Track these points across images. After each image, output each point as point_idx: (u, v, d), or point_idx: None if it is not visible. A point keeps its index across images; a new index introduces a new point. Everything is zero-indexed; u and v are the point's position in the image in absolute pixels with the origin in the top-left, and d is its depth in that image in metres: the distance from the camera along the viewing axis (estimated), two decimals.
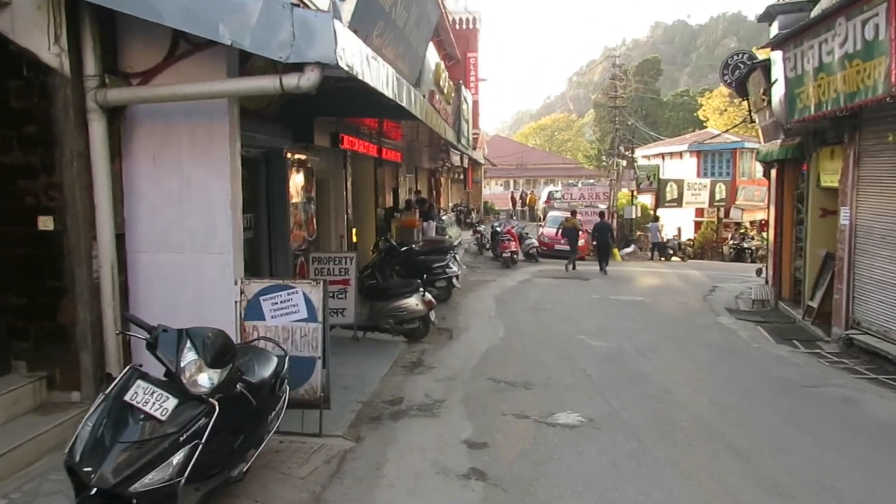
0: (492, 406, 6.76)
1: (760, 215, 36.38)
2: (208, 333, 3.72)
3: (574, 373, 8.15)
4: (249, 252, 9.66)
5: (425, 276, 13.09)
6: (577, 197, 31.86)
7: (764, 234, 33.38)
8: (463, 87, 20.22)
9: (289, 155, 10.02)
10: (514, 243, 21.52)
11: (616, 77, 31.48)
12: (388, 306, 10.19)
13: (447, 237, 19.48)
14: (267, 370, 4.48)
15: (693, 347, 10.00)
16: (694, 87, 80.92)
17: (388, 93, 6.40)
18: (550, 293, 15.68)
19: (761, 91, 13.22)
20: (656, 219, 30.52)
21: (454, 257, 14.99)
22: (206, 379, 3.59)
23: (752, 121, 19.91)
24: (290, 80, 4.71)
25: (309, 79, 4.67)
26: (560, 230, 22.84)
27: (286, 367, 4.84)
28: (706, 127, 50.25)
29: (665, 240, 31.00)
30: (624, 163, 31.99)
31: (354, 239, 14.38)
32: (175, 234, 5.65)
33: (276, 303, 5.65)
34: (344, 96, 9.35)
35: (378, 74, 5.91)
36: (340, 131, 11.37)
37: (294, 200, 10.35)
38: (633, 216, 31.27)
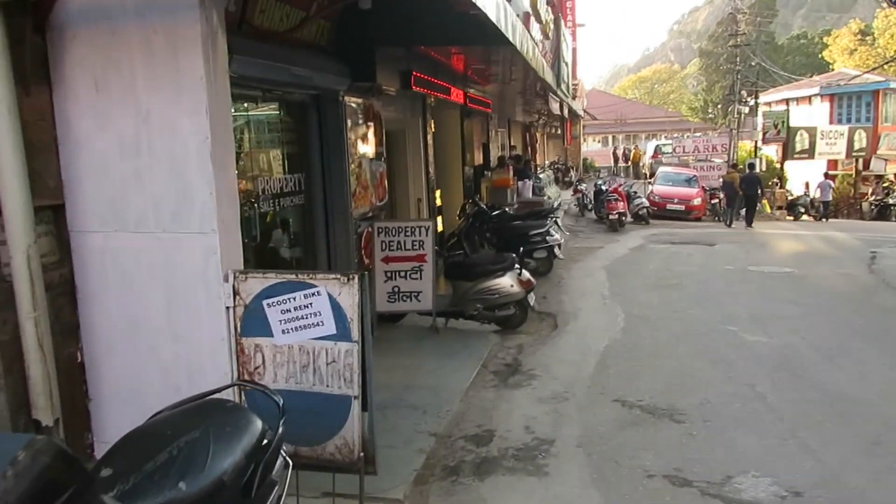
0: (627, 455, 4.47)
1: None
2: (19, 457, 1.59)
3: (738, 391, 5.69)
4: (301, 221, 7.74)
5: (521, 246, 10.84)
6: (691, 150, 28.32)
7: None
8: (563, 25, 17.48)
9: (347, 99, 7.91)
10: (621, 203, 18.78)
11: (737, 10, 27.43)
12: (476, 287, 8.02)
13: (546, 198, 17.02)
14: (231, 453, 2.40)
15: (892, 346, 7.25)
16: (811, 29, 73.46)
17: None
18: (672, 263, 13.00)
19: None
20: (827, 175, 27.28)
21: (556, 222, 12.59)
22: None
23: None
24: None
25: None
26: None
27: (281, 431, 2.74)
28: (832, 70, 44.52)
29: (794, 196, 27.25)
30: (746, 110, 28.06)
31: (438, 202, 12.27)
32: (134, 202, 3.64)
33: (289, 310, 3.55)
34: (412, 14, 7.20)
35: None
36: (413, 69, 9.14)
37: (358, 157, 8.29)
38: (757, 170, 27.44)
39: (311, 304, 3.53)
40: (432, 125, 11.91)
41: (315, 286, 3.52)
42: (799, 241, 16.98)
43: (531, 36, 9.26)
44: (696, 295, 9.93)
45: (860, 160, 31.75)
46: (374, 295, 7.80)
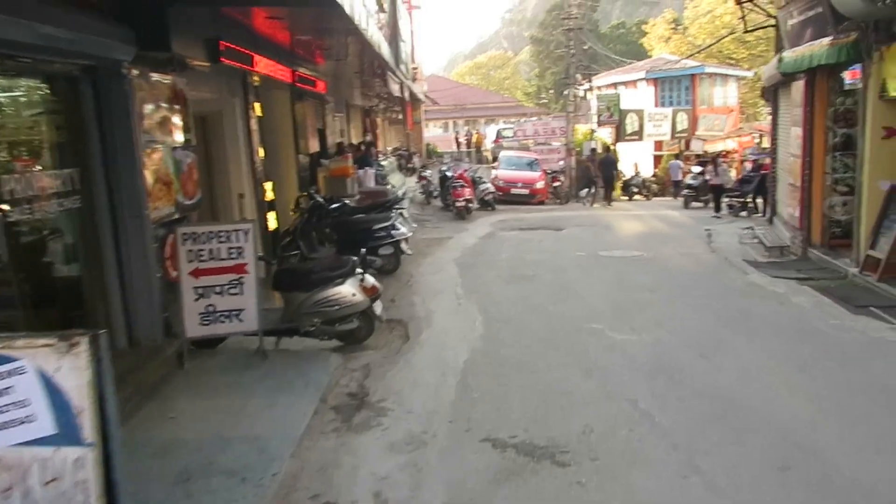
0: None
1: (721, 146, 33.98)
2: None
3: (621, 410, 4.91)
4: (78, 230, 6.07)
5: (365, 242, 9.68)
6: (531, 134, 28.48)
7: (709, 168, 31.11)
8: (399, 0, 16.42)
9: (137, 74, 6.30)
10: (468, 190, 18.19)
11: None
12: (312, 299, 6.77)
13: (389, 187, 15.94)
14: None
15: (759, 333, 6.90)
16: (628, 19, 78.31)
17: None
18: (524, 252, 12.44)
19: None
20: (677, 156, 29.12)
21: (401, 214, 11.54)
22: None
23: (747, 30, 16.99)
24: None
25: None
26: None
27: None
28: (650, 57, 47.35)
29: (628, 177, 28.26)
30: (581, 93, 28.66)
31: (270, 196, 10.79)
32: None
33: None
34: None
35: None
36: (223, 37, 7.60)
37: (156, 145, 6.68)
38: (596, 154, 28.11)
39: (9, 388, 2.15)
40: (258, 108, 10.39)
41: (13, 359, 2.14)
42: (639, 222, 17.23)
43: (363, 1, 8.06)
44: (553, 287, 9.30)
45: (683, 141, 33.71)
46: (183, 317, 6.31)
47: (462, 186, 17.99)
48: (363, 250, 7.34)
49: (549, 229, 15.52)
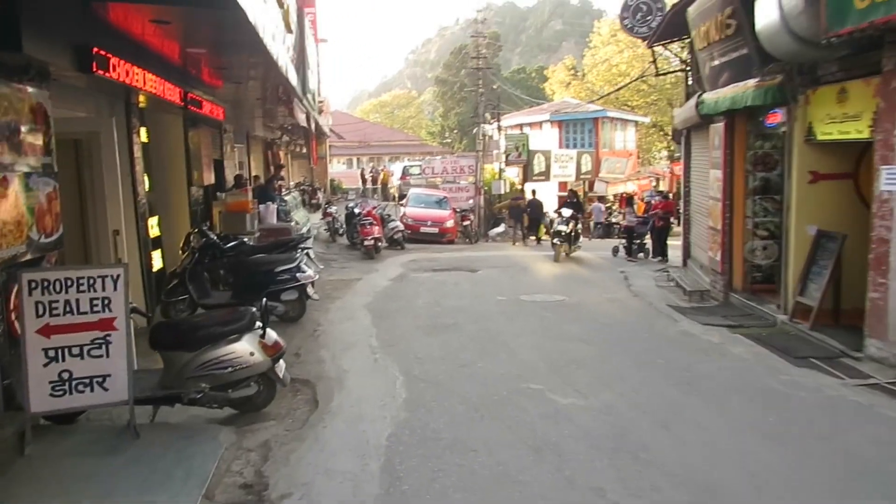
0: None
1: (622, 188, 34.78)
2: None
3: None
4: None
5: (266, 288, 8.50)
6: (440, 171, 27.94)
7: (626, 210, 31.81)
8: (308, 27, 15.45)
9: None
10: (377, 228, 17.23)
11: (479, 33, 27.70)
12: (200, 359, 5.56)
13: (293, 224, 14.70)
14: None
15: (713, 395, 6.22)
16: (527, 65, 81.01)
17: None
18: (441, 296, 11.54)
19: (724, 15, 9.79)
20: (601, 198, 30.62)
21: (307, 254, 10.40)
22: None
23: (658, 74, 17.16)
24: None
25: None
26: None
27: None
28: (551, 101, 48.61)
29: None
30: (490, 132, 28.52)
31: (156, 232, 9.43)
32: None
33: None
34: None
35: None
36: (97, 44, 6.34)
37: (2, 171, 5.33)
38: (502, 191, 27.91)
39: None
40: (144, 133, 9.09)
41: None
42: (553, 264, 16.72)
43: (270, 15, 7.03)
44: (478, 338, 8.41)
45: (587, 182, 34.24)
46: (28, 386, 4.93)
47: (371, 224, 17.03)
48: (265, 299, 6.17)
49: (463, 270, 14.75)
